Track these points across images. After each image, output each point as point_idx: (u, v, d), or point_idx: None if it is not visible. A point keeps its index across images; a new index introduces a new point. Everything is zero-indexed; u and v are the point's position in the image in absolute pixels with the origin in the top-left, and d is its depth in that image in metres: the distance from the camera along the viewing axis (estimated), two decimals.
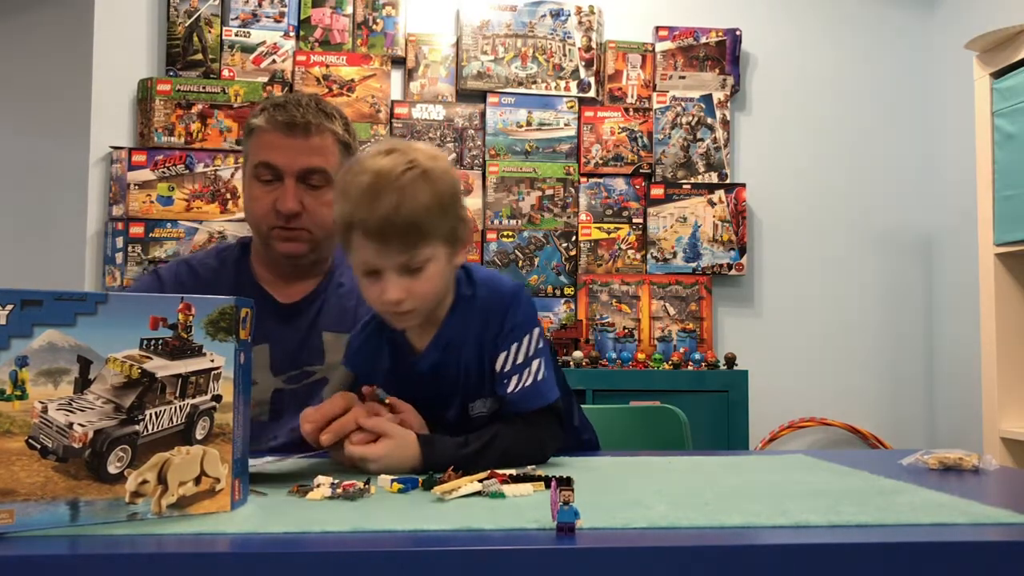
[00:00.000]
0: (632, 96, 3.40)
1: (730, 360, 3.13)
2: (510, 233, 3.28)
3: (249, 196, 1.58)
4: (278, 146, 1.53)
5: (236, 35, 3.24)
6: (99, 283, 3.12)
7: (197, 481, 0.90)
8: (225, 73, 3.21)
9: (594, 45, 3.39)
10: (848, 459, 1.32)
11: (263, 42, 3.25)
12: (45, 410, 0.82)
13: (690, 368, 3.12)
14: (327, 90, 3.22)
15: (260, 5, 3.26)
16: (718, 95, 3.40)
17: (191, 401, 0.90)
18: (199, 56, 3.21)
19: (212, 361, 0.91)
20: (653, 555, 0.79)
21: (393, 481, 1.04)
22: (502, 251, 3.27)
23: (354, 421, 1.19)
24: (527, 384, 1.27)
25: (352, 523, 0.85)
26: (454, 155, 3.28)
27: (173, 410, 0.89)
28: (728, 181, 3.38)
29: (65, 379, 0.83)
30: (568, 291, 3.29)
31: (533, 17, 3.37)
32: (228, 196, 3.13)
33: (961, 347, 3.26)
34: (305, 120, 1.52)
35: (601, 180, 3.35)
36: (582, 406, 1.54)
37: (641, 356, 3.21)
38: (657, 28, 3.43)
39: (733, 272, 3.34)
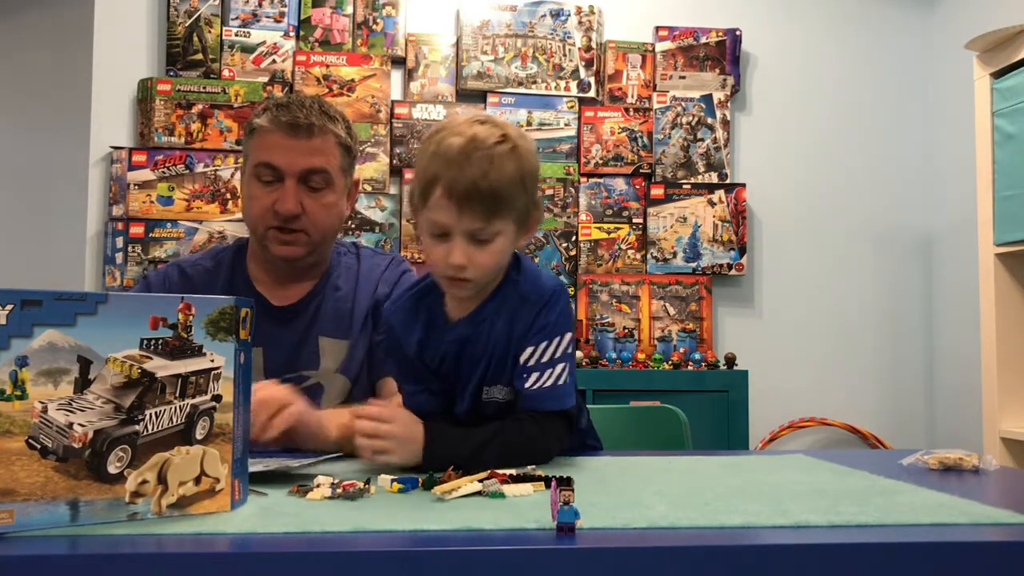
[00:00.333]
0: (632, 96, 3.40)
1: (730, 360, 3.13)
2: None
3: (248, 196, 1.57)
4: (280, 146, 1.52)
5: (236, 35, 3.24)
6: (99, 283, 3.12)
7: (197, 481, 0.90)
8: (225, 73, 3.21)
9: (594, 45, 3.39)
10: (848, 459, 1.32)
11: (263, 42, 3.25)
12: (45, 410, 0.82)
13: (690, 368, 3.12)
14: (327, 90, 3.22)
15: (260, 5, 3.26)
16: (718, 95, 3.40)
17: (191, 401, 0.90)
18: (199, 56, 3.21)
19: (212, 361, 0.91)
20: (653, 555, 0.79)
21: (393, 481, 1.04)
22: None
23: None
24: (546, 384, 1.27)
25: (352, 523, 0.85)
26: None
27: (173, 410, 0.89)
28: (728, 181, 3.38)
29: (65, 379, 0.83)
30: (568, 291, 3.29)
31: (533, 17, 3.37)
32: (228, 196, 3.13)
33: (961, 347, 3.26)
34: (308, 121, 1.51)
35: (601, 180, 3.35)
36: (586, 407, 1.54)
37: (641, 356, 3.21)
38: (657, 28, 3.43)
39: (733, 272, 3.34)
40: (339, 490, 0.99)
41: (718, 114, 3.40)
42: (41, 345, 0.82)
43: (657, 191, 3.35)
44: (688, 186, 3.35)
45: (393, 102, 3.29)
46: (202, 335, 0.91)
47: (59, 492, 0.83)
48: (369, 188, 3.21)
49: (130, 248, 3.04)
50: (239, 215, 3.07)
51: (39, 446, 0.82)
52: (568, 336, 1.30)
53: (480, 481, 1.01)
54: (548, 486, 1.01)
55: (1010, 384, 2.66)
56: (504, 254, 1.27)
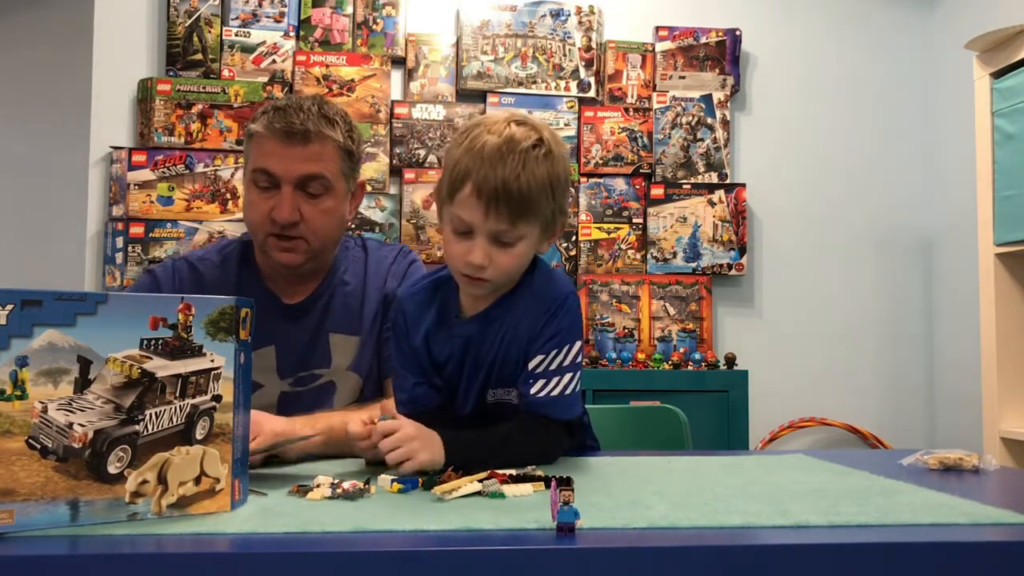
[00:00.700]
0: (632, 96, 3.40)
1: (730, 360, 3.13)
2: None
3: (247, 201, 1.55)
4: (275, 153, 1.48)
5: (236, 35, 3.23)
6: (99, 283, 3.12)
7: (197, 481, 0.90)
8: (225, 73, 3.21)
9: (594, 45, 3.39)
10: (848, 459, 1.32)
11: (263, 42, 3.25)
12: (45, 410, 0.82)
13: (690, 368, 3.12)
14: (327, 90, 3.22)
15: (260, 5, 3.26)
16: (718, 95, 3.40)
17: (191, 401, 0.90)
18: (199, 56, 3.21)
19: (212, 361, 0.91)
20: (653, 555, 0.79)
21: (393, 481, 1.04)
22: None
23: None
24: (553, 393, 1.26)
25: (352, 523, 0.85)
26: None
27: (173, 410, 0.89)
28: (728, 181, 3.38)
29: (65, 379, 0.83)
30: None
31: (533, 17, 3.37)
32: (228, 196, 3.13)
33: (961, 347, 3.26)
34: (304, 127, 1.47)
35: (601, 180, 3.35)
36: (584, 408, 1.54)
37: (641, 356, 3.21)
38: (657, 28, 3.43)
39: (733, 272, 3.34)
40: (339, 490, 0.99)
41: (718, 114, 3.40)
42: (41, 345, 0.82)
43: (657, 191, 3.35)
44: (688, 186, 3.35)
45: (393, 102, 3.29)
46: (202, 335, 0.91)
47: (59, 492, 0.82)
48: (369, 188, 3.21)
49: (130, 248, 3.04)
50: (239, 215, 3.07)
51: (39, 446, 0.82)
52: (577, 344, 1.28)
53: (480, 481, 1.01)
54: (548, 486, 1.01)
55: (1010, 384, 2.66)
56: (525, 258, 1.26)
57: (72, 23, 3.38)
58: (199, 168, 3.11)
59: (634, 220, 3.34)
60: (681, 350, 3.23)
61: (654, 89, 3.41)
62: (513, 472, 1.07)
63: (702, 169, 3.38)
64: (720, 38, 3.44)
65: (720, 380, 3.04)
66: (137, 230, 3.06)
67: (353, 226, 3.18)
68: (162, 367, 0.88)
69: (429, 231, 3.23)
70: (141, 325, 0.87)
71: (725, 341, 3.38)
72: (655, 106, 3.39)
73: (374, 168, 3.23)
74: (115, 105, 3.18)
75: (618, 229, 3.34)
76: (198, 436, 0.90)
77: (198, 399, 0.90)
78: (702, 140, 3.39)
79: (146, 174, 3.09)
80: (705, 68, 3.43)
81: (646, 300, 3.29)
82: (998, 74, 2.70)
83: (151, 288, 1.56)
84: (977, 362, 2.79)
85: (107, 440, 0.85)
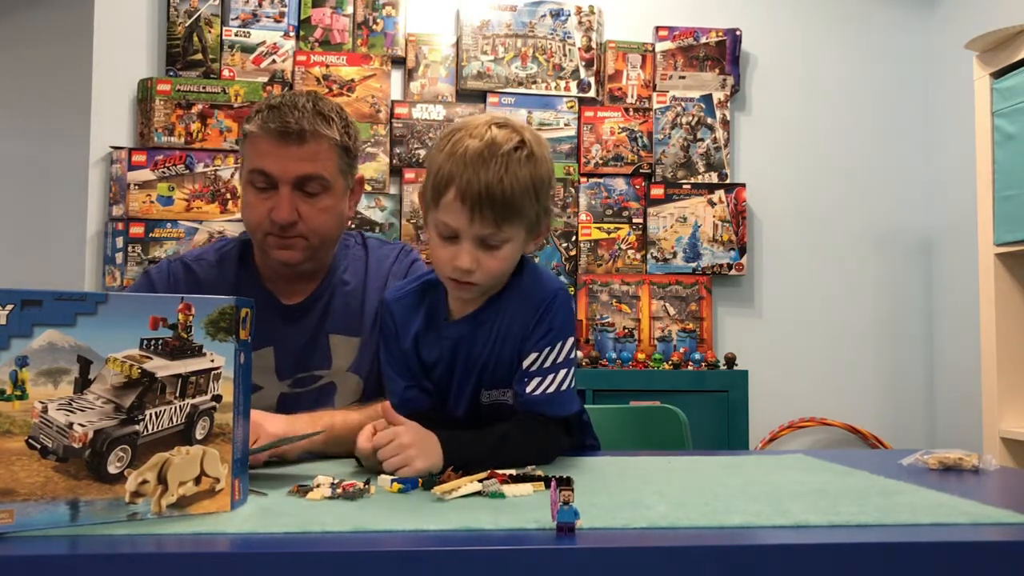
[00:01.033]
0: (632, 96, 3.40)
1: (730, 360, 3.13)
2: None
3: (245, 202, 1.53)
4: (271, 153, 1.47)
5: (236, 35, 3.23)
6: (99, 283, 3.12)
7: (197, 481, 0.90)
8: (225, 73, 3.21)
9: (594, 45, 3.39)
10: (848, 459, 1.32)
11: (263, 42, 3.25)
12: (45, 410, 0.82)
13: (690, 368, 3.12)
14: (327, 90, 3.22)
15: (260, 5, 3.26)
16: (718, 95, 3.40)
17: (191, 401, 0.90)
18: (199, 56, 3.21)
19: (212, 361, 0.91)
20: (653, 555, 0.79)
21: (393, 481, 1.04)
22: None
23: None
24: (548, 391, 1.26)
25: (352, 523, 0.85)
26: None
27: (173, 410, 0.89)
28: (728, 181, 3.38)
29: (65, 379, 0.83)
30: (570, 292, 3.28)
31: (533, 17, 3.37)
32: (228, 196, 3.13)
33: (961, 347, 3.26)
34: (299, 127, 1.45)
35: (601, 180, 3.35)
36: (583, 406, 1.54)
37: (641, 356, 3.21)
38: (657, 28, 3.43)
39: (733, 272, 3.34)
40: (339, 490, 0.99)
41: (718, 114, 3.40)
42: (41, 345, 0.82)
43: (657, 191, 3.35)
44: (688, 186, 3.35)
45: (393, 102, 3.29)
46: (202, 335, 0.91)
47: (59, 492, 0.82)
48: (369, 188, 3.21)
49: (130, 248, 3.04)
50: (239, 215, 3.07)
51: (39, 446, 0.82)
52: (570, 340, 1.29)
53: (480, 481, 1.01)
54: (548, 486, 1.01)
55: (1010, 384, 2.66)
56: (512, 260, 1.26)
57: (72, 23, 3.38)
58: (199, 168, 3.11)
59: (634, 220, 3.34)
60: (681, 350, 3.23)
61: (654, 89, 3.41)
62: (513, 472, 1.07)
63: (702, 169, 3.38)
64: (720, 38, 3.44)
65: (720, 380, 3.04)
66: (137, 230, 3.06)
67: (353, 225, 3.18)
68: (162, 367, 0.88)
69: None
70: (141, 325, 0.87)
71: (725, 341, 3.38)
72: (655, 106, 3.39)
73: (374, 168, 3.23)
74: (115, 105, 3.18)
75: (618, 229, 3.34)
76: (198, 436, 0.90)
77: (198, 399, 0.90)
78: (702, 140, 3.39)
79: (146, 174, 3.09)
80: (705, 68, 3.43)
81: (646, 300, 3.29)
82: (998, 74, 2.70)
83: (146, 290, 1.55)
84: (977, 362, 2.79)
85: (107, 440, 0.85)
